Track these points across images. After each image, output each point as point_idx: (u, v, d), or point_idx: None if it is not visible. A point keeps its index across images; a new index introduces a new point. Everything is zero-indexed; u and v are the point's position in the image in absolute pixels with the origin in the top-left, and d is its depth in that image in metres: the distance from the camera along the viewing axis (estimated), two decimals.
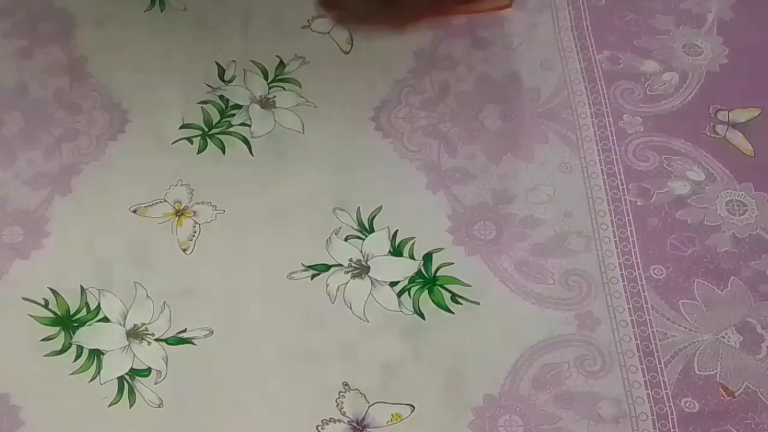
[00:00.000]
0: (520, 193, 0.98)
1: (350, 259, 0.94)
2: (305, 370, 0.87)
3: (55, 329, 0.91)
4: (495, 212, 0.97)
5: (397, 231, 0.96)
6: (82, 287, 0.93)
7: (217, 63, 1.11)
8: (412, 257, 0.94)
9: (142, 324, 0.91)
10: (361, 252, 0.95)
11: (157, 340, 0.90)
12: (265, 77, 1.10)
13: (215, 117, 1.06)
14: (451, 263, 0.93)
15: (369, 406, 0.85)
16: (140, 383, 0.87)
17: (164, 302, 0.92)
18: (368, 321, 0.90)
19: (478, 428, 0.83)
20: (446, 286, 0.92)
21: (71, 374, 0.88)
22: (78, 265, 0.95)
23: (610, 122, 1.02)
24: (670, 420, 0.82)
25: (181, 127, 1.05)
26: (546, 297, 0.90)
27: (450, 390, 0.85)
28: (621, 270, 0.91)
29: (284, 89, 1.08)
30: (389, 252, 0.95)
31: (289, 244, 0.95)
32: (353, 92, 1.08)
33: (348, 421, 0.84)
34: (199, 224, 0.97)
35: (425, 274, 0.93)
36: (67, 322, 0.91)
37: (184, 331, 0.90)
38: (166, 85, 1.08)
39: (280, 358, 0.88)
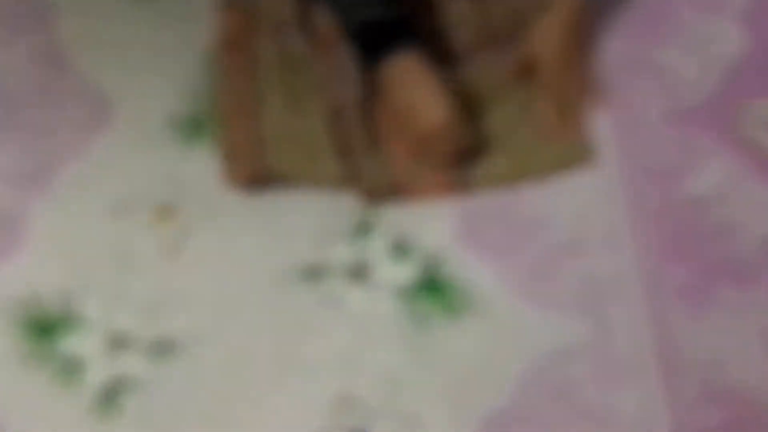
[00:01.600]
0: (529, 192, 0.95)
1: (349, 261, 0.92)
2: (300, 379, 0.86)
3: (34, 336, 0.89)
4: (502, 212, 0.94)
5: (397, 232, 0.94)
6: (62, 292, 0.91)
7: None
8: (413, 259, 0.92)
9: (126, 331, 0.89)
10: (360, 253, 0.93)
11: (141, 347, 0.88)
12: None
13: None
14: (456, 265, 0.91)
15: (368, 418, 0.83)
16: (124, 392, 0.86)
17: (150, 308, 0.90)
18: (367, 326, 0.88)
19: None
20: (450, 289, 0.90)
21: (52, 383, 0.86)
22: (58, 269, 0.93)
23: (627, 117, 0.99)
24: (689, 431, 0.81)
25: (167, 121, 1.02)
26: (557, 303, 0.88)
27: (454, 400, 0.84)
28: (638, 273, 0.89)
29: None
30: (389, 254, 0.93)
31: (284, 245, 0.94)
32: None
33: None
34: (187, 225, 0.95)
35: (427, 277, 0.91)
36: (47, 328, 0.90)
37: (171, 337, 0.88)
38: (152, 77, 1.06)
39: (273, 366, 0.87)
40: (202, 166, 0.99)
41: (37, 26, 1.12)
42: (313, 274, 0.92)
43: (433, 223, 0.94)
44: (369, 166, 0.97)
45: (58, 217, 0.97)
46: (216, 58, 1.06)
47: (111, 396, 0.85)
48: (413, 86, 0.95)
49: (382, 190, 0.96)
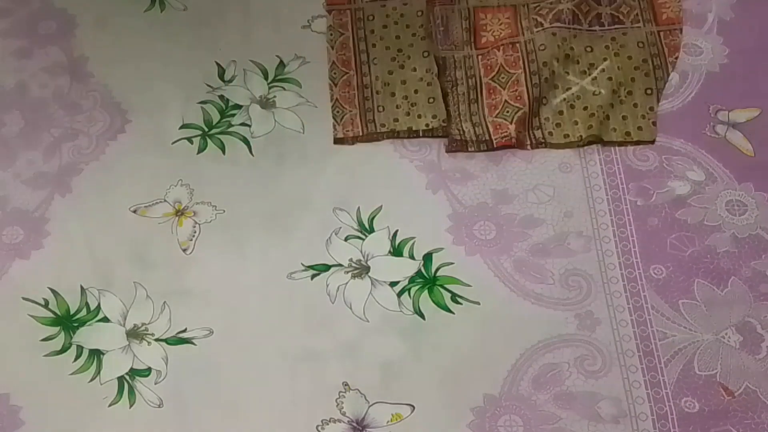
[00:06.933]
0: (520, 193, 0.98)
1: (350, 259, 0.94)
2: (305, 370, 0.88)
3: (55, 329, 0.91)
4: (495, 212, 0.97)
5: (397, 231, 0.96)
6: (82, 287, 0.94)
7: (217, 63, 1.11)
8: (412, 257, 0.94)
9: (142, 324, 0.91)
10: (361, 252, 0.95)
11: (157, 340, 0.90)
12: (265, 77, 1.10)
13: (215, 117, 1.06)
14: (451, 263, 0.93)
15: (369, 406, 0.85)
16: (140, 383, 0.87)
17: (164, 302, 0.92)
18: (368, 321, 0.90)
19: (478, 428, 0.83)
20: (446, 286, 0.92)
21: (71, 374, 0.88)
22: (78, 265, 0.95)
23: None
24: (670, 420, 0.83)
25: (181, 127, 1.05)
26: (546, 297, 0.91)
27: (450, 390, 0.86)
28: (621, 270, 0.91)
29: (284, 89, 1.08)
30: (389, 252, 0.95)
31: (289, 244, 0.96)
32: None
33: (348, 421, 0.84)
34: (199, 224, 0.98)
35: (425, 274, 0.93)
36: (67, 322, 0.92)
37: (184, 331, 0.90)
38: (166, 85, 1.09)
39: (280, 358, 0.89)
40: (212, 169, 1.01)
41: (57, 37, 1.14)
42: (318, 270, 0.93)
43: (431, 224, 0.96)
44: (464, 116, 1.02)
45: (78, 217, 0.98)
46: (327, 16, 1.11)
47: (128, 387, 0.87)
48: None
49: (471, 141, 1.00)
